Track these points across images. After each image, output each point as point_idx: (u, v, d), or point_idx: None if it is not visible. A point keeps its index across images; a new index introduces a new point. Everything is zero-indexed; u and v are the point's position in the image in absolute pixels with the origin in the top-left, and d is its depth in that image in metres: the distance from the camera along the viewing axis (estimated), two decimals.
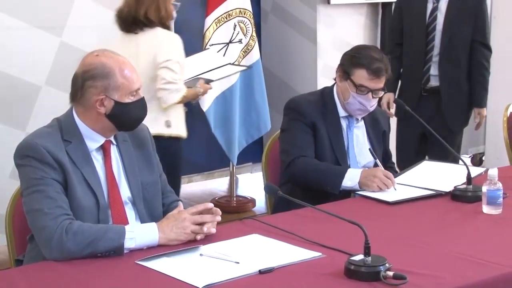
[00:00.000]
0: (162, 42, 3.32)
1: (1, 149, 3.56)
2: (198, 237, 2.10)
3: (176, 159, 3.40)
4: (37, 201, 2.04)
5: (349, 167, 2.77)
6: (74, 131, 2.16)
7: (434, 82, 3.85)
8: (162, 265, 1.93)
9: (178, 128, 3.42)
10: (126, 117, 2.17)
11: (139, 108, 2.19)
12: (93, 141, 2.18)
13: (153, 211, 2.28)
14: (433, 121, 3.61)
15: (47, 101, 3.63)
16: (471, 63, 3.82)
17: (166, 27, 3.38)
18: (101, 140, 2.20)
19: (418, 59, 3.86)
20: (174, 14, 3.43)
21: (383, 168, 2.71)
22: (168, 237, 2.07)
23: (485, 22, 3.83)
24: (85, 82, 2.12)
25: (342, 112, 2.83)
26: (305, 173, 2.69)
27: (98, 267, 1.95)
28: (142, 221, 2.22)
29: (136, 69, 2.21)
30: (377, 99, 2.78)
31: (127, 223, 2.16)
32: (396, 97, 3.94)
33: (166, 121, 3.35)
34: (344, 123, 2.84)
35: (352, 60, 2.73)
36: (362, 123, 2.89)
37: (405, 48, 3.93)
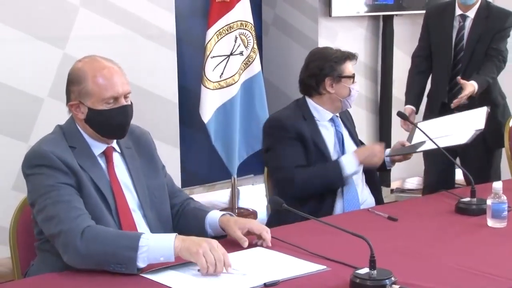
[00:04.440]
0: None
1: (3, 161, 3.56)
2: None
3: None
4: (52, 207, 2.03)
5: None
6: (77, 136, 2.17)
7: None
8: (167, 278, 1.92)
9: None
10: (103, 124, 2.15)
11: (118, 115, 2.14)
12: (95, 147, 2.20)
13: (161, 215, 2.28)
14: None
15: (50, 113, 3.62)
16: (483, 67, 3.69)
17: None
18: (102, 146, 2.21)
19: (446, 78, 3.77)
20: None
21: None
22: (183, 246, 1.96)
23: (507, 35, 3.78)
24: (67, 87, 2.18)
25: (323, 118, 2.91)
26: (309, 183, 2.75)
27: (102, 280, 1.94)
28: (151, 227, 2.21)
29: None
30: None
31: (135, 229, 2.16)
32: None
33: None
34: (330, 125, 2.92)
35: (337, 61, 2.88)
36: (340, 121, 2.99)
37: (434, 67, 3.88)
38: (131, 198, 2.22)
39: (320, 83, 2.89)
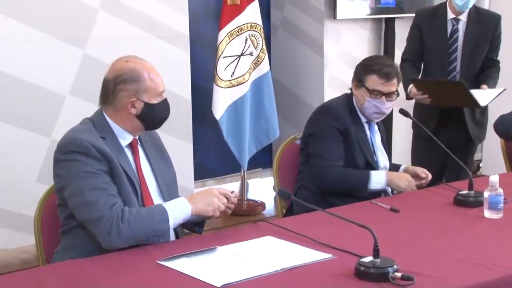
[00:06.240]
0: None
1: (28, 154, 3.62)
2: (217, 213, 2.29)
3: None
4: (90, 193, 2.13)
5: (378, 168, 2.93)
6: (106, 128, 2.28)
7: None
8: (181, 265, 1.99)
9: None
10: (154, 117, 2.32)
11: (165, 108, 2.34)
12: (123, 138, 2.31)
13: None
14: (457, 135, 3.75)
15: (71, 109, 3.68)
16: (484, 74, 3.78)
17: None
18: (130, 138, 2.33)
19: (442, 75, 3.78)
20: None
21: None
22: (197, 207, 2.24)
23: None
24: (117, 86, 2.26)
25: (362, 118, 2.96)
26: (335, 183, 2.86)
27: (120, 267, 2.01)
28: None
29: None
30: (392, 102, 2.91)
31: None
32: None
33: None
34: (366, 128, 2.98)
35: (364, 68, 2.90)
36: (377, 127, 3.03)
37: (428, 69, 3.85)
38: (153, 188, 2.34)
39: (352, 82, 2.96)
